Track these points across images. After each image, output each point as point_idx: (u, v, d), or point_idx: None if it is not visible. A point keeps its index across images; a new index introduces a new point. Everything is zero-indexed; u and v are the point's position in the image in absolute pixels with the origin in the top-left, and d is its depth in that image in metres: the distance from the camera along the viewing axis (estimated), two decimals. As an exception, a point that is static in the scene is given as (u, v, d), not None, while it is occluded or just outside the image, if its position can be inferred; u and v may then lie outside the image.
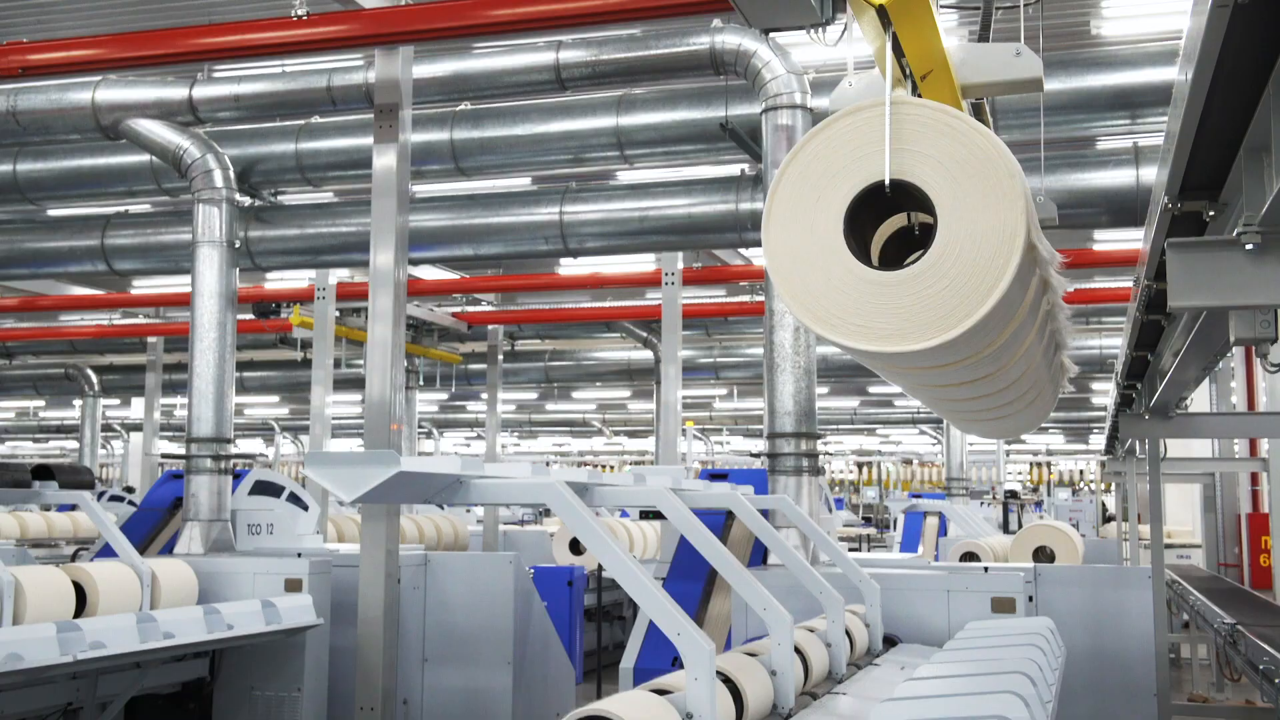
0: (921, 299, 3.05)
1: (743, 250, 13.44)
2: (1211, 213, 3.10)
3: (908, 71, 3.37)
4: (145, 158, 9.76)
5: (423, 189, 10.90)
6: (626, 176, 10.88)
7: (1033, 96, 7.60)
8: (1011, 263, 2.98)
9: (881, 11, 3.01)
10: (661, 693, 3.55)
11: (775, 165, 7.40)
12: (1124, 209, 8.51)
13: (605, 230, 9.72)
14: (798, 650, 4.69)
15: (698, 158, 9.17)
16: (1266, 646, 4.76)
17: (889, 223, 3.43)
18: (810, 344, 7.51)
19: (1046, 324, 3.91)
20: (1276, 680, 4.35)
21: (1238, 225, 2.84)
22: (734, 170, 9.87)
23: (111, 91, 8.74)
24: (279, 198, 10.70)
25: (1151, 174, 8.24)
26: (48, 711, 6.41)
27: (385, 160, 7.74)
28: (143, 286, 16.31)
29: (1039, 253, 3.21)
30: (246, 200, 10.20)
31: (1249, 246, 2.81)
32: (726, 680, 3.98)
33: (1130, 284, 10.45)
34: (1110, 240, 12.84)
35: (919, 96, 3.46)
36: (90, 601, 6.68)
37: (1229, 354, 8.77)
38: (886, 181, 3.09)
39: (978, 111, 4.14)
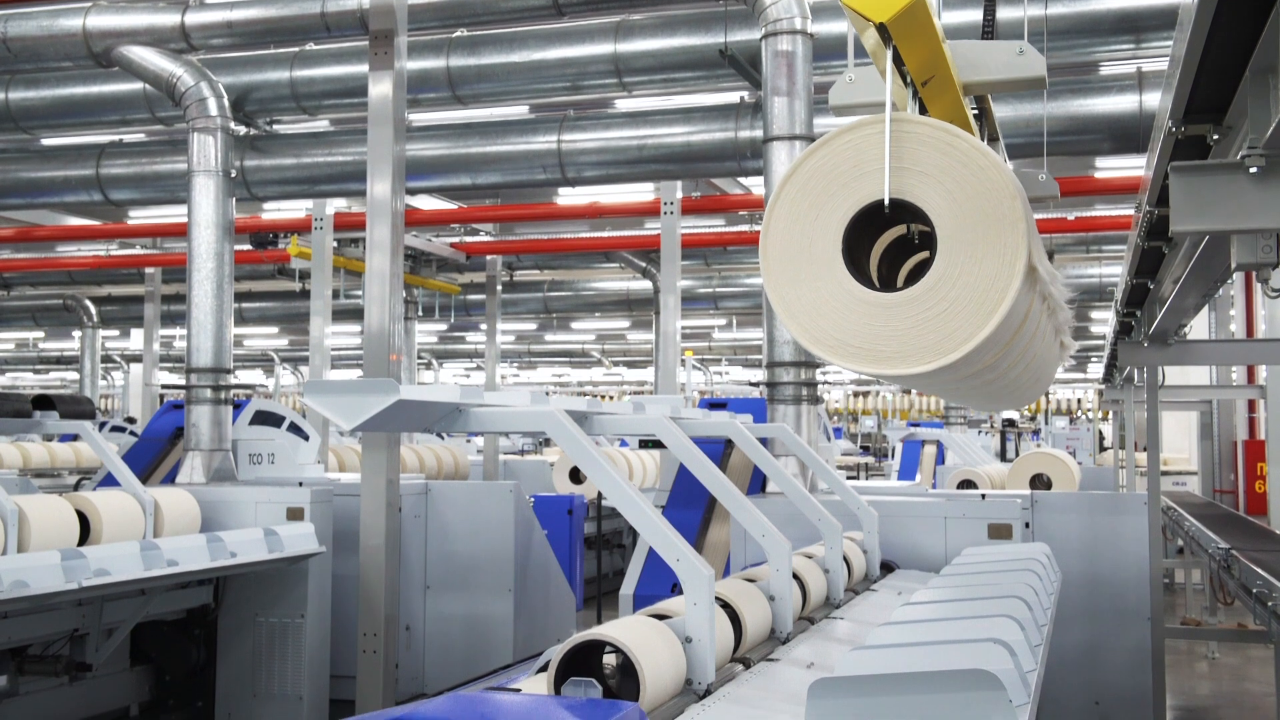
0: (920, 322, 3.04)
1: (742, 179, 13.35)
2: (1216, 136, 3.07)
3: (908, 80, 3.34)
4: (138, 86, 9.67)
5: (419, 118, 10.81)
6: (625, 105, 10.77)
7: (1033, 22, 7.53)
8: (1012, 287, 2.97)
9: (882, 27, 2.96)
10: (661, 618, 3.59)
11: (775, 92, 7.33)
12: (1126, 135, 8.45)
13: (603, 159, 9.66)
14: (796, 576, 4.74)
15: (697, 85, 9.08)
16: (1260, 570, 4.80)
17: (888, 232, 3.42)
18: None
19: (1048, 321, 3.91)
20: (1269, 603, 4.39)
21: (1242, 148, 2.82)
22: (733, 98, 9.77)
23: (103, 18, 8.63)
24: (274, 127, 10.61)
25: (1155, 99, 8.17)
26: (55, 637, 6.49)
27: (381, 88, 7.66)
28: (139, 217, 16.23)
29: (1040, 274, 3.20)
30: (242, 129, 10.11)
31: (1253, 169, 2.79)
32: (725, 605, 4.02)
33: (1131, 211, 10.41)
34: (1112, 168, 12.75)
35: (919, 101, 3.43)
36: (94, 530, 6.73)
37: (1229, 281, 8.75)
38: (886, 202, 3.07)
39: (980, 104, 4.11)
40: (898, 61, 3.15)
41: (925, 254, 3.20)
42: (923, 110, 3.52)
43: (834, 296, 3.12)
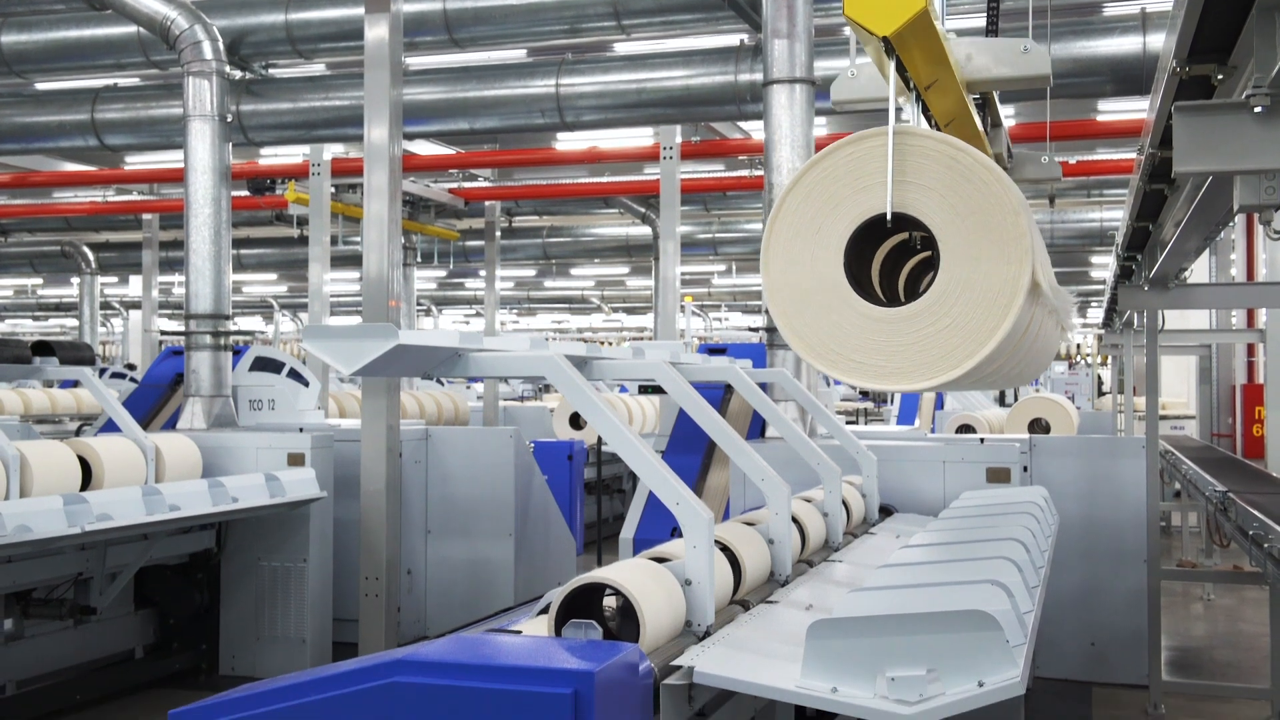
0: (923, 337, 3.04)
1: (741, 124, 13.26)
2: (1220, 76, 3.04)
3: (911, 85, 3.31)
4: (132, 29, 9.57)
5: (416, 61, 10.71)
6: (623, 48, 10.68)
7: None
8: (1015, 304, 2.97)
9: (886, 39, 2.92)
10: (661, 561, 3.61)
11: (776, 35, 7.25)
12: (1129, 77, 8.39)
13: (602, 103, 9.59)
14: (795, 520, 4.76)
15: (696, 28, 8.99)
16: (1256, 513, 4.82)
17: (890, 239, 3.40)
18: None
19: (1050, 319, 3.90)
20: (1265, 545, 4.41)
21: (1247, 88, 2.79)
22: (733, 40, 9.68)
23: (95, -40, 8.52)
24: (270, 71, 10.52)
25: (1158, 41, 8.09)
26: (58, 581, 6.54)
27: (377, 31, 7.58)
28: (136, 163, 16.14)
29: (1042, 289, 3.18)
30: (237, 74, 10.03)
31: (1258, 109, 2.76)
32: (724, 549, 4.04)
33: (1133, 155, 10.35)
34: (1114, 111, 12.66)
35: (922, 105, 3.40)
36: (95, 475, 6.75)
37: (1230, 224, 8.71)
38: (888, 216, 3.05)
39: (984, 103, 4.09)
40: (900, 69, 3.13)
41: (927, 253, 3.18)
42: (925, 111, 3.51)
43: (836, 311, 3.12)
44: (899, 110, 3.11)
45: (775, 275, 3.20)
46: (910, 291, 3.82)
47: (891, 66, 3.08)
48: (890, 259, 3.50)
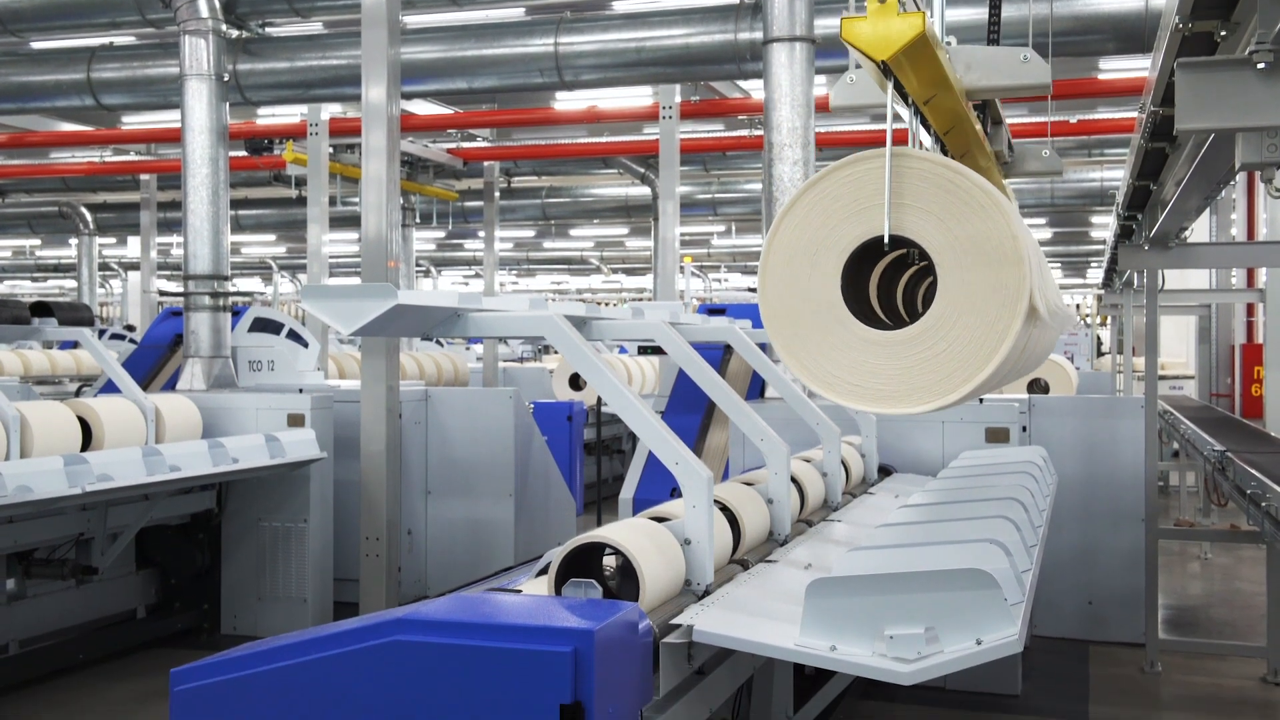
0: (920, 361, 3.04)
1: (741, 83, 13.17)
2: (1224, 33, 3.02)
3: (909, 100, 3.29)
4: (127, -13, 9.48)
5: (414, 19, 10.62)
6: (622, 5, 10.58)
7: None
8: (1012, 330, 2.96)
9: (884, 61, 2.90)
10: (660, 520, 3.62)
11: (775, -9, 7.19)
12: (1132, 35, 8.32)
13: (601, 62, 9.52)
14: (794, 479, 4.77)
15: (696, -15, 8.92)
16: (1254, 472, 4.83)
17: (887, 256, 3.39)
18: (809, 178, 7.42)
19: (1046, 332, 3.91)
20: (1263, 504, 4.43)
21: (1250, 44, 2.77)
22: (733, -2, 9.59)
23: (89, -83, 8.43)
24: (267, 29, 10.43)
25: (1161, -1, 8.02)
26: (60, 541, 6.56)
27: (374, -12, 7.51)
28: (132, 122, 16.06)
29: (1040, 314, 3.17)
30: (234, 32, 9.94)
31: (1260, 66, 2.75)
32: (724, 508, 4.05)
33: (1134, 114, 10.29)
34: (1116, 70, 12.58)
35: (920, 117, 3.38)
36: (95, 436, 6.76)
37: (1231, 183, 8.68)
38: (885, 239, 3.04)
39: (985, 102, 4.08)
40: (898, 87, 3.12)
41: (924, 263, 3.18)
42: (924, 123, 3.50)
43: (834, 333, 3.12)
44: (896, 115, 3.09)
45: (771, 297, 3.20)
46: (908, 299, 3.84)
47: (890, 87, 3.09)
48: (890, 267, 3.51)
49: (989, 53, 3.62)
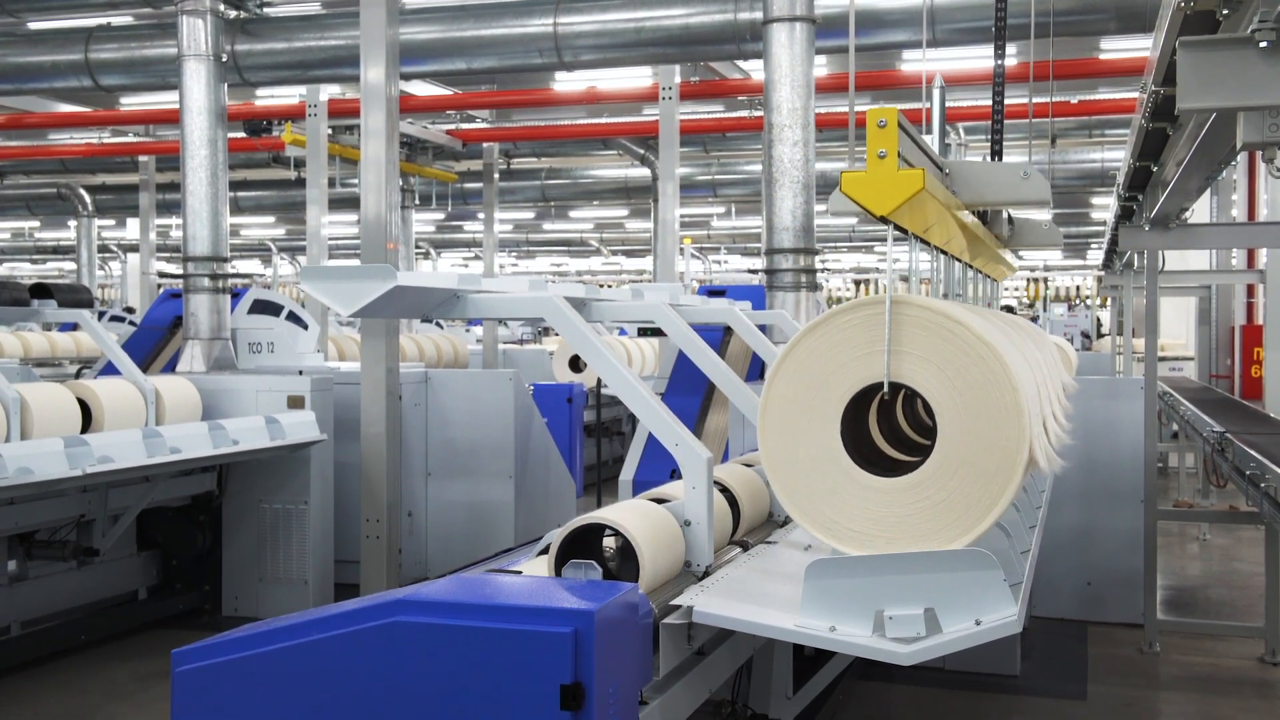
0: (918, 510, 3.05)
1: (741, 63, 13.12)
2: (1225, 11, 3.00)
3: (909, 232, 3.34)
4: (125, -33, 9.44)
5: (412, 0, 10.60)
6: (622, -15, 10.53)
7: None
8: (1012, 484, 2.97)
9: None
10: (660, 502, 3.62)
11: (776, -29, 7.16)
12: (1133, 14, 8.29)
13: (600, 43, 9.48)
14: (794, 460, 4.77)
15: (696, -36, 8.88)
16: (1254, 453, 4.83)
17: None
18: (809, 159, 7.41)
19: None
20: (1262, 484, 4.43)
21: (1252, 23, 2.75)
22: (733, -23, 9.54)
23: (85, -104, 8.39)
24: (265, 10, 10.39)
25: (1163, -22, 7.98)
26: (61, 522, 6.57)
27: (373, -32, 7.48)
28: (131, 103, 16.01)
29: (1039, 465, 3.18)
30: (232, 12, 9.90)
31: (1263, 44, 2.73)
32: (723, 490, 4.06)
33: (1135, 94, 10.25)
34: (1117, 50, 12.54)
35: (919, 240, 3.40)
36: (96, 418, 6.76)
37: (1232, 164, 8.67)
38: (885, 387, 3.06)
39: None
40: (898, 228, 3.14)
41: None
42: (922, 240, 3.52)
43: (832, 478, 3.14)
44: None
45: (771, 442, 3.22)
46: (911, 415, 3.86)
47: (890, 237, 3.10)
48: (884, 406, 3.52)
49: (989, 170, 3.66)
